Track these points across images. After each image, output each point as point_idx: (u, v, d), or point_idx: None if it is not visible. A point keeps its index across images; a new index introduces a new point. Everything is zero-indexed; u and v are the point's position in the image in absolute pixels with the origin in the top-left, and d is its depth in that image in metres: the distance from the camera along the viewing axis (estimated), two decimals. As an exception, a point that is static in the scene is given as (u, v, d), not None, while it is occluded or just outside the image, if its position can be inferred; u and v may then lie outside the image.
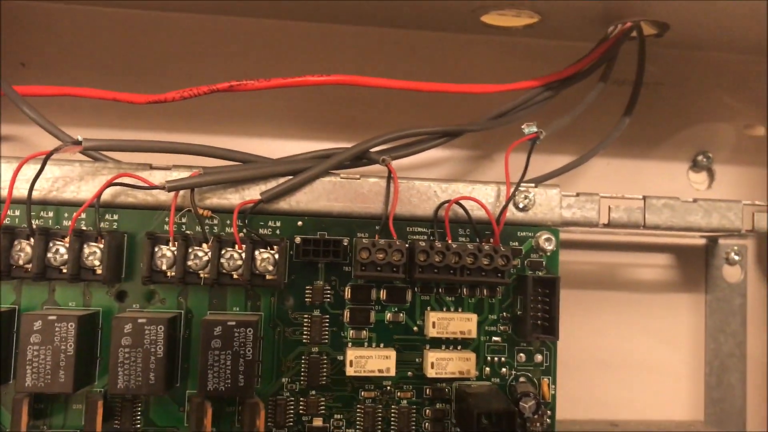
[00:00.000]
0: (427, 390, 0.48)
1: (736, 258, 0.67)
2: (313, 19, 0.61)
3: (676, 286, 0.68)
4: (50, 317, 0.41)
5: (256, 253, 0.44)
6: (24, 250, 0.43)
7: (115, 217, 0.46)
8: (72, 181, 0.46)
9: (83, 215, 0.45)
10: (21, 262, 0.42)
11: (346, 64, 0.62)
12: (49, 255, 0.43)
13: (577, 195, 0.52)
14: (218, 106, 0.59)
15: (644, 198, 0.54)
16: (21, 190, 0.44)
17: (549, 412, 0.48)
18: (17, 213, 0.45)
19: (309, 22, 0.62)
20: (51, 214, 0.45)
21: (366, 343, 0.47)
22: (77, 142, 0.42)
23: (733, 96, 0.69)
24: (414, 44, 0.64)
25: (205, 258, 0.44)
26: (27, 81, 0.52)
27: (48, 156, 0.42)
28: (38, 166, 0.43)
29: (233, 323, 0.43)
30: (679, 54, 0.67)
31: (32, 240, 0.43)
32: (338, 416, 0.47)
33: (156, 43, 0.60)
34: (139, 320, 0.42)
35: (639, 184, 0.67)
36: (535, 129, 0.50)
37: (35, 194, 0.44)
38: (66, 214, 0.45)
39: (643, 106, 0.66)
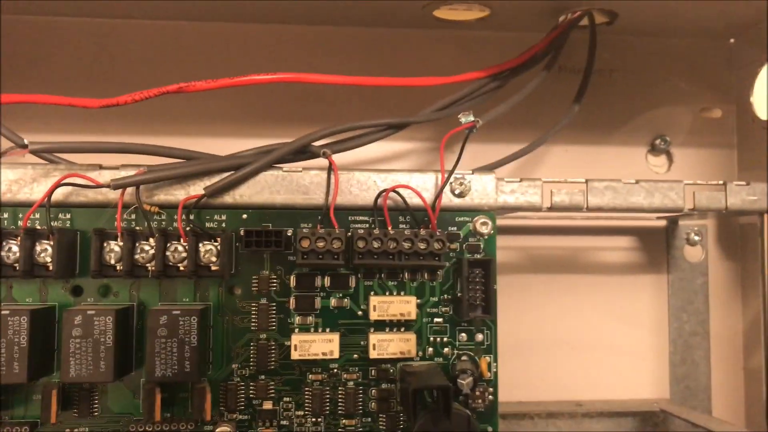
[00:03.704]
0: (373, 371, 0.50)
1: (696, 238, 0.69)
2: (263, 21, 0.64)
3: (639, 267, 0.70)
4: (3, 312, 0.44)
5: (200, 245, 0.47)
6: (-21, 250, 0.45)
7: (68, 216, 0.48)
8: (26, 183, 0.48)
9: (37, 215, 0.48)
10: (-23, 262, 0.45)
11: (298, 63, 0.64)
12: (2, 253, 0.45)
13: (521, 180, 0.54)
14: (170, 109, 0.62)
15: (587, 181, 0.56)
16: (-24, 194, 0.47)
17: (491, 389, 0.50)
18: (-27, 216, 0.48)
19: (260, 23, 0.64)
20: (7, 215, 0.48)
21: (312, 329, 0.50)
22: (23, 145, 0.45)
23: (688, 80, 0.70)
24: (367, 41, 0.66)
25: (151, 251, 0.46)
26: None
27: (-4, 160, 0.45)
28: (-8, 171, 0.46)
29: (178, 312, 0.45)
30: (631, 40, 0.69)
31: (-14, 240, 0.45)
32: (287, 399, 0.49)
33: (111, 50, 0.63)
34: (89, 312, 0.44)
35: (599, 170, 0.68)
36: (471, 118, 0.52)
37: (-10, 197, 0.47)
38: (21, 215, 0.48)
39: (599, 93, 0.68)
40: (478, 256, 0.50)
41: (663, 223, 0.70)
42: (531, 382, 0.68)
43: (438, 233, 0.48)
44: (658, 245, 0.70)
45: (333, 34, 0.65)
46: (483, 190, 0.51)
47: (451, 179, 0.50)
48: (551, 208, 0.55)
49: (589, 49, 0.64)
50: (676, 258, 0.70)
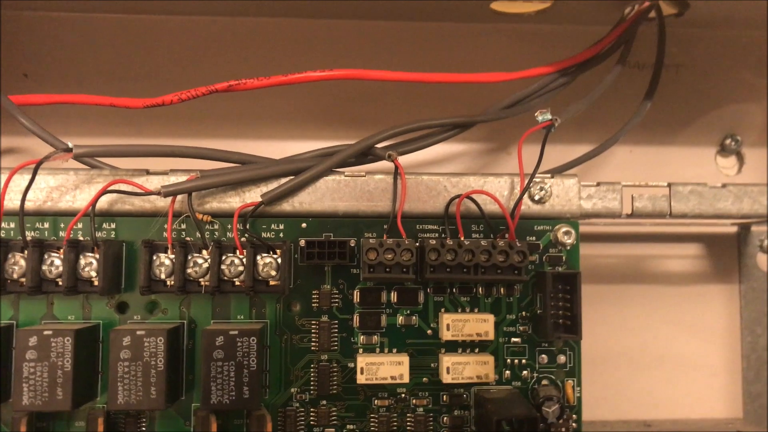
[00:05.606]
0: (444, 396, 0.46)
1: (771, 245, 0.64)
2: (316, 16, 0.59)
3: (708, 276, 0.65)
4: (46, 332, 0.40)
5: (258, 257, 0.42)
6: (18, 263, 0.41)
7: (113, 225, 0.44)
8: (67, 190, 0.44)
9: (80, 225, 0.44)
10: (15, 276, 0.41)
11: (353, 61, 0.60)
12: (44, 267, 0.41)
13: (598, 184, 0.50)
14: (219, 108, 0.58)
15: (669, 185, 0.51)
16: (15, 202, 0.43)
17: (574, 416, 0.46)
18: (12, 225, 0.44)
19: (312, 19, 0.60)
20: (47, 225, 0.44)
21: (378, 349, 0.45)
22: (68, 150, 0.41)
23: (760, 75, 0.65)
24: (422, 37, 0.62)
25: (205, 265, 0.42)
26: (30, 91, 0.51)
27: (38, 165, 0.41)
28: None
29: (235, 332, 0.41)
30: (700, 33, 0.64)
31: (26, 252, 0.41)
32: (351, 426, 0.45)
33: (159, 48, 0.59)
34: (138, 332, 0.40)
35: (664, 172, 0.63)
36: (549, 116, 0.47)
37: (30, 205, 0.43)
38: (62, 225, 0.44)
39: (665, 90, 0.64)
40: (561, 269, 0.46)
41: (734, 229, 0.66)
42: (594, 401, 0.63)
43: (518, 244, 0.43)
44: (728, 253, 0.65)
45: (387, 30, 0.61)
46: (565, 195, 0.47)
47: (530, 184, 0.46)
48: (632, 215, 0.50)
49: (658, 43, 0.60)
50: (748, 266, 0.65)
